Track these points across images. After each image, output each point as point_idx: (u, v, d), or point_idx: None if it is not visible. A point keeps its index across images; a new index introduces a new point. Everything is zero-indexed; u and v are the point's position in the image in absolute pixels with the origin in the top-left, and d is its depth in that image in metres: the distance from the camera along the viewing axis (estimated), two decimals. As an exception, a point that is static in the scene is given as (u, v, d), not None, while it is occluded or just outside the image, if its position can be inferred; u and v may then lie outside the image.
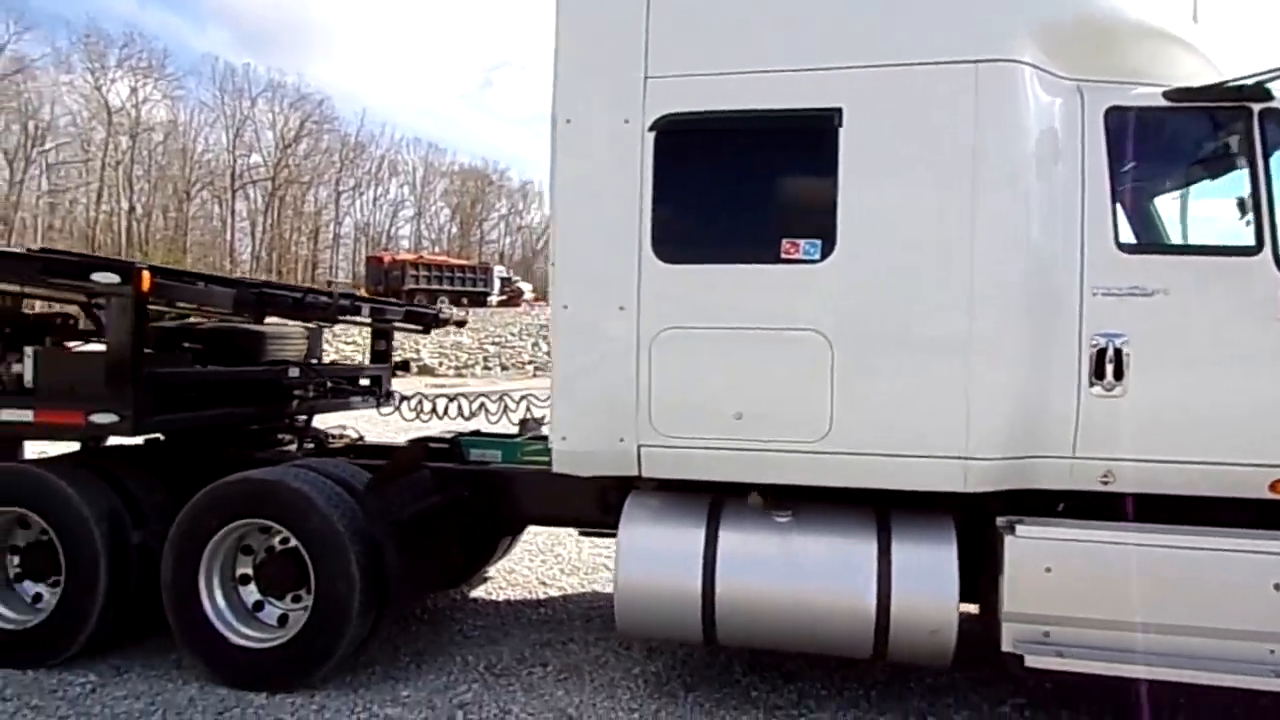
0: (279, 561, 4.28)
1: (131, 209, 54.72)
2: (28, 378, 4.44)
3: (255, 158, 61.41)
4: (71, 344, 5.18)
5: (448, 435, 5.35)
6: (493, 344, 30.75)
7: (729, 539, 3.81)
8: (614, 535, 5.89)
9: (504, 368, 29.59)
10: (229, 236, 60.61)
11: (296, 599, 4.32)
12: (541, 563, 6.49)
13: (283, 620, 4.34)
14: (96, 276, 4.20)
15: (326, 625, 4.05)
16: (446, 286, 40.29)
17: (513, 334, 32.09)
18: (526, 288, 47.48)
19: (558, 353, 3.92)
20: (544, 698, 4.08)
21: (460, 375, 28.11)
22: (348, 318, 5.33)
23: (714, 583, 3.75)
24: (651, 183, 3.74)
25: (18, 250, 4.51)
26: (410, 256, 45.20)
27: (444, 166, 73.19)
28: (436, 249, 62.56)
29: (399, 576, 4.13)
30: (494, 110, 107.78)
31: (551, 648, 4.74)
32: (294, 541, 4.18)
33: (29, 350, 4.44)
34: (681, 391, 3.76)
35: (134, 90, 54.36)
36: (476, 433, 5.17)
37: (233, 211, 60.77)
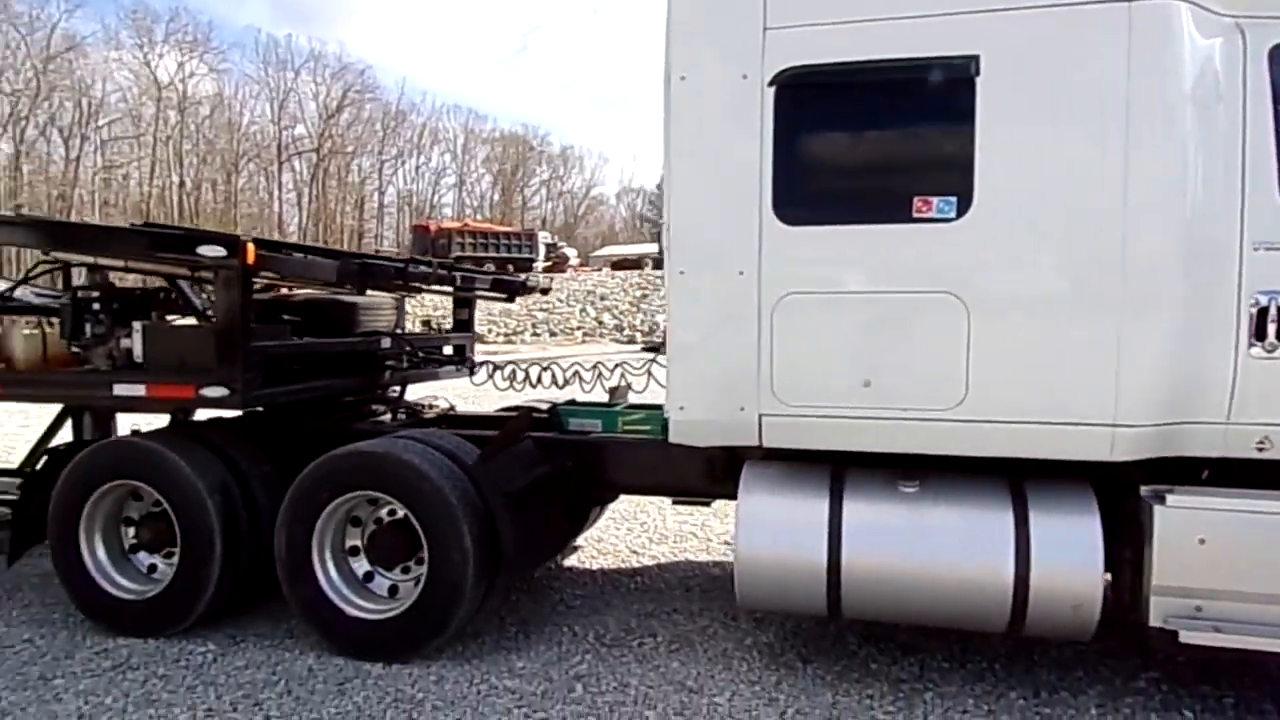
0: (389, 533, 4.28)
1: (182, 183, 55.70)
2: (137, 352, 4.46)
3: (300, 129, 61.95)
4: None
5: (541, 405, 5.30)
6: (540, 310, 30.82)
7: (854, 510, 3.69)
8: (708, 504, 5.84)
9: (552, 334, 29.65)
10: (276, 208, 61.47)
11: (405, 570, 4.33)
12: (628, 531, 6.46)
13: (393, 591, 4.35)
14: (202, 250, 4.18)
15: (441, 596, 4.04)
16: (492, 254, 40.27)
17: (560, 299, 32.11)
18: (571, 253, 47.42)
19: (674, 320, 3.80)
20: (660, 670, 4.04)
21: (510, 342, 28.28)
22: (439, 286, 5.26)
23: (840, 555, 3.64)
24: (772, 141, 3.57)
25: (125, 226, 4.51)
26: (456, 224, 45.28)
27: (484, 133, 73.10)
28: (478, 216, 62.68)
29: (512, 548, 4.10)
30: (532, 75, 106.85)
31: (656, 618, 4.69)
32: (402, 512, 4.18)
33: (137, 325, 4.46)
34: (805, 359, 3.62)
35: (181, 65, 55.05)
36: (572, 402, 5.10)
37: (279, 183, 61.56)
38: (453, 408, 5.73)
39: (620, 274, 37.61)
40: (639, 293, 32.20)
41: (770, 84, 3.56)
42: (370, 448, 4.20)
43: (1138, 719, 3.57)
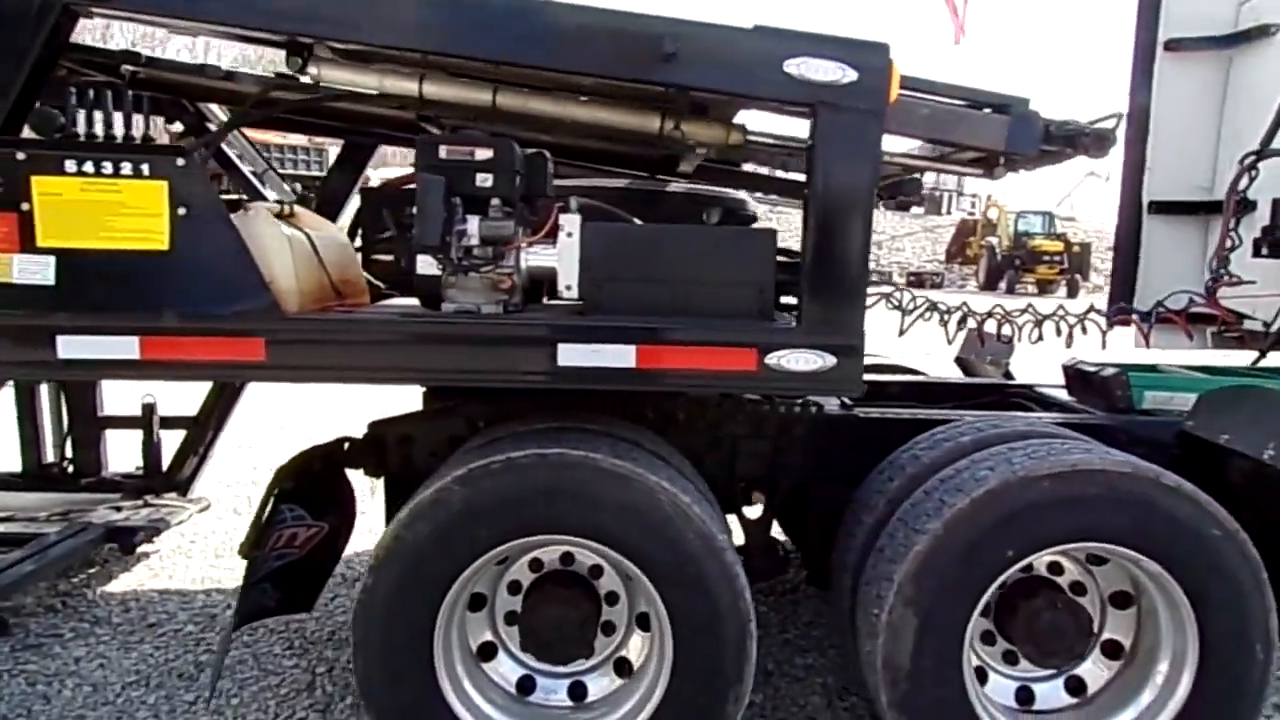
0: (1054, 609, 2.40)
1: None
2: (567, 277, 2.17)
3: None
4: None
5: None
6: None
7: None
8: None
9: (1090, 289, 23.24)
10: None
11: (1050, 666, 2.48)
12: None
13: (1026, 699, 2.51)
14: (800, 69, 2.00)
15: None
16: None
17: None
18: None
19: None
20: None
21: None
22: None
23: None
24: None
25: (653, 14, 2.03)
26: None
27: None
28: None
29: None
30: None
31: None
32: (1062, 564, 2.41)
33: (569, 223, 2.15)
34: None
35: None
36: (1152, 367, 3.28)
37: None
38: (922, 372, 3.80)
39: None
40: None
41: None
42: (1110, 465, 2.25)
43: None
